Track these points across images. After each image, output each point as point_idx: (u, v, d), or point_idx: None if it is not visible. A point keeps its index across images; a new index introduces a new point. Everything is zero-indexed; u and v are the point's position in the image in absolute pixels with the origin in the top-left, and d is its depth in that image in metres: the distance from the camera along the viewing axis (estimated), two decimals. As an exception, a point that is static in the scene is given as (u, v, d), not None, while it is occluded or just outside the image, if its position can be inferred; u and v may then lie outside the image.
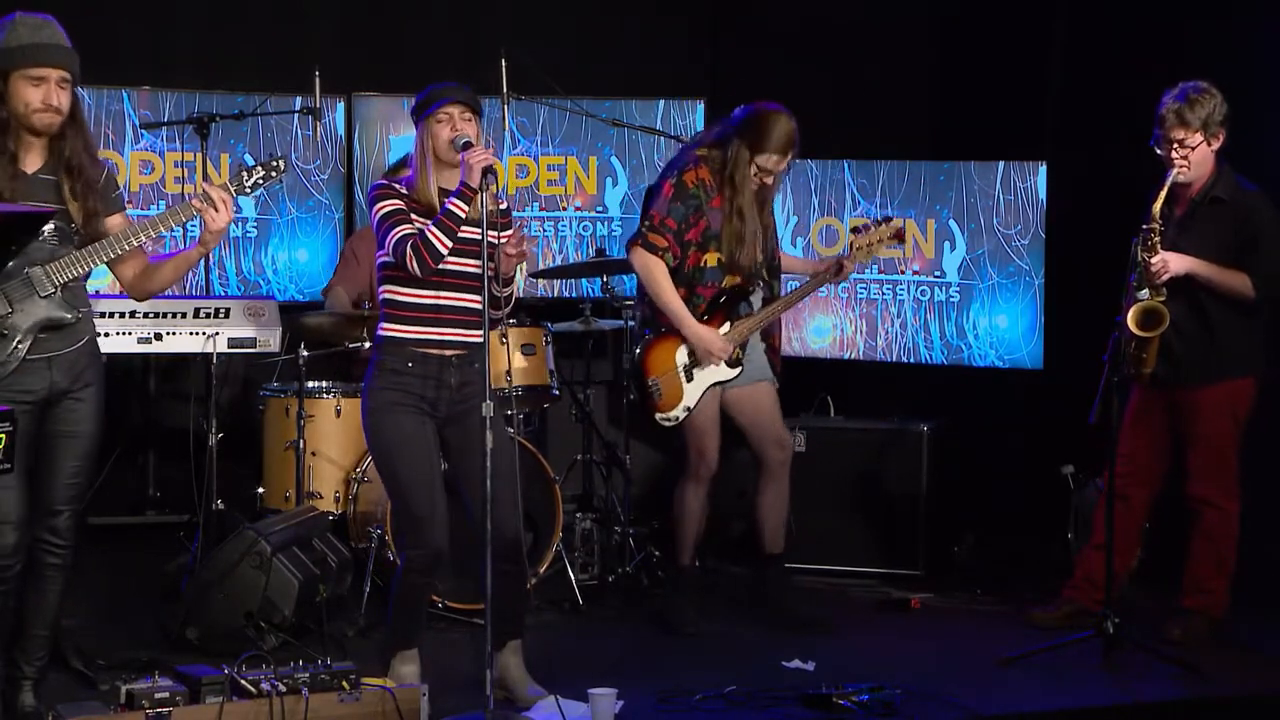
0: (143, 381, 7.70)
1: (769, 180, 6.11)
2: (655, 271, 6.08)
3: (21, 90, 4.71)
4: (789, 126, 6.06)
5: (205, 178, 6.92)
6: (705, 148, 6.17)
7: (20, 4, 4.81)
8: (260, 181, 4.96)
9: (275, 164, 4.98)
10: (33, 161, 4.79)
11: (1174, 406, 6.05)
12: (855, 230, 6.41)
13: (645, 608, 6.54)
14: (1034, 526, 7.22)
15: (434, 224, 5.02)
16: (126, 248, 4.80)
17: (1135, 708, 5.38)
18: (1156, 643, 5.81)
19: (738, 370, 6.17)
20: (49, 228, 4.74)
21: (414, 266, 5.02)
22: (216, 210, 4.80)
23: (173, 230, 5.02)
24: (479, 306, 4.97)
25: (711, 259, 6.11)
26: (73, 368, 4.83)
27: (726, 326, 6.14)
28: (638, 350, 6.22)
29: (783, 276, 6.37)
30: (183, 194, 7.20)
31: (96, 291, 5.64)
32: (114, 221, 4.88)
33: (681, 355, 6.14)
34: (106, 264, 4.90)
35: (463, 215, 5.02)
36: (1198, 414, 5.99)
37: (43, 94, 4.71)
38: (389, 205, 5.10)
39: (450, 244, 5.02)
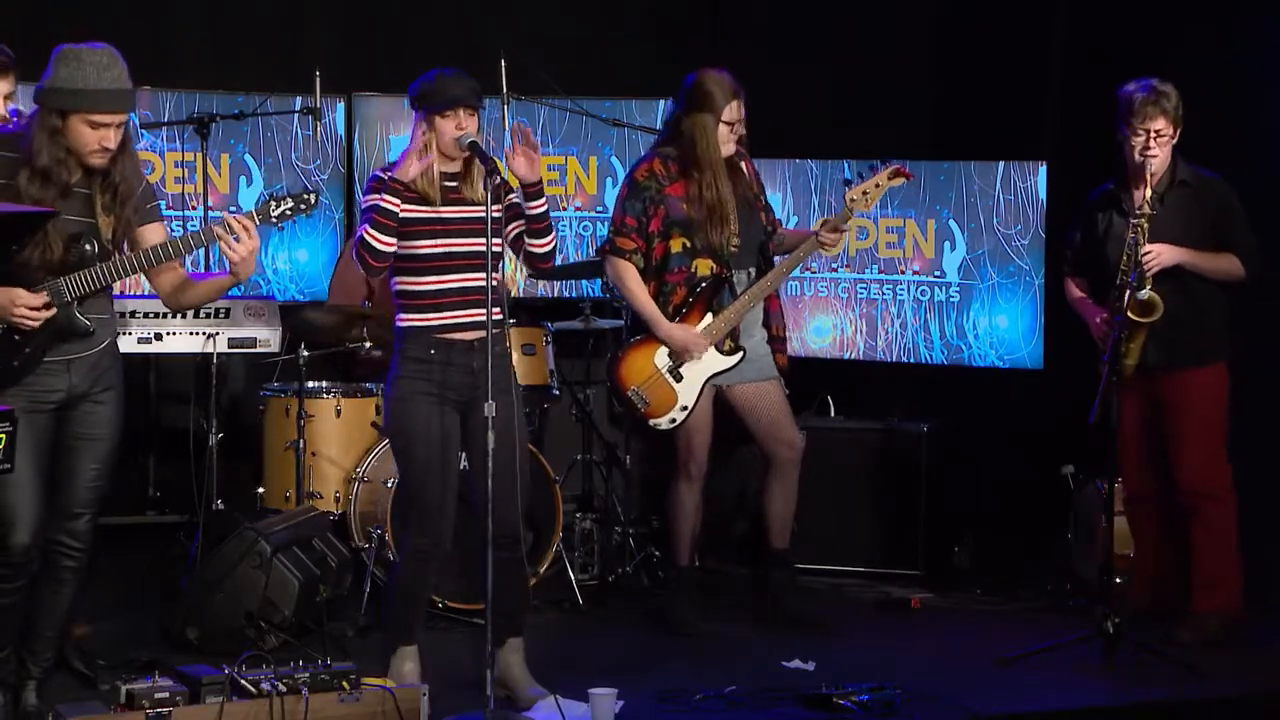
0: (143, 381, 7.70)
1: (742, 131, 6.10)
2: (626, 276, 6.11)
3: (79, 131, 4.68)
4: (723, 75, 6.11)
5: (205, 178, 6.94)
6: (660, 146, 6.21)
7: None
8: (289, 213, 4.91)
9: (306, 197, 4.93)
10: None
11: (1160, 403, 6.04)
12: (848, 183, 6.26)
13: (645, 608, 6.54)
14: (1034, 526, 7.22)
15: (370, 223, 5.07)
16: (141, 266, 4.82)
17: (1135, 708, 5.38)
18: (1157, 643, 5.80)
19: (736, 358, 6.14)
20: (82, 238, 4.75)
21: (361, 267, 5.13)
22: (236, 240, 4.79)
23: (193, 252, 5.00)
24: (492, 284, 4.97)
25: (676, 245, 6.11)
26: (92, 371, 4.84)
27: (709, 318, 6.11)
28: (609, 365, 6.22)
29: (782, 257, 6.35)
30: (183, 194, 7.20)
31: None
32: (149, 232, 4.88)
33: (661, 357, 6.13)
34: (144, 274, 4.92)
35: (394, 210, 5.06)
36: (1184, 401, 5.99)
37: (99, 137, 4.69)
38: (367, 200, 5.15)
39: (390, 241, 5.07)
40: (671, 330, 6.08)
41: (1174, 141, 5.94)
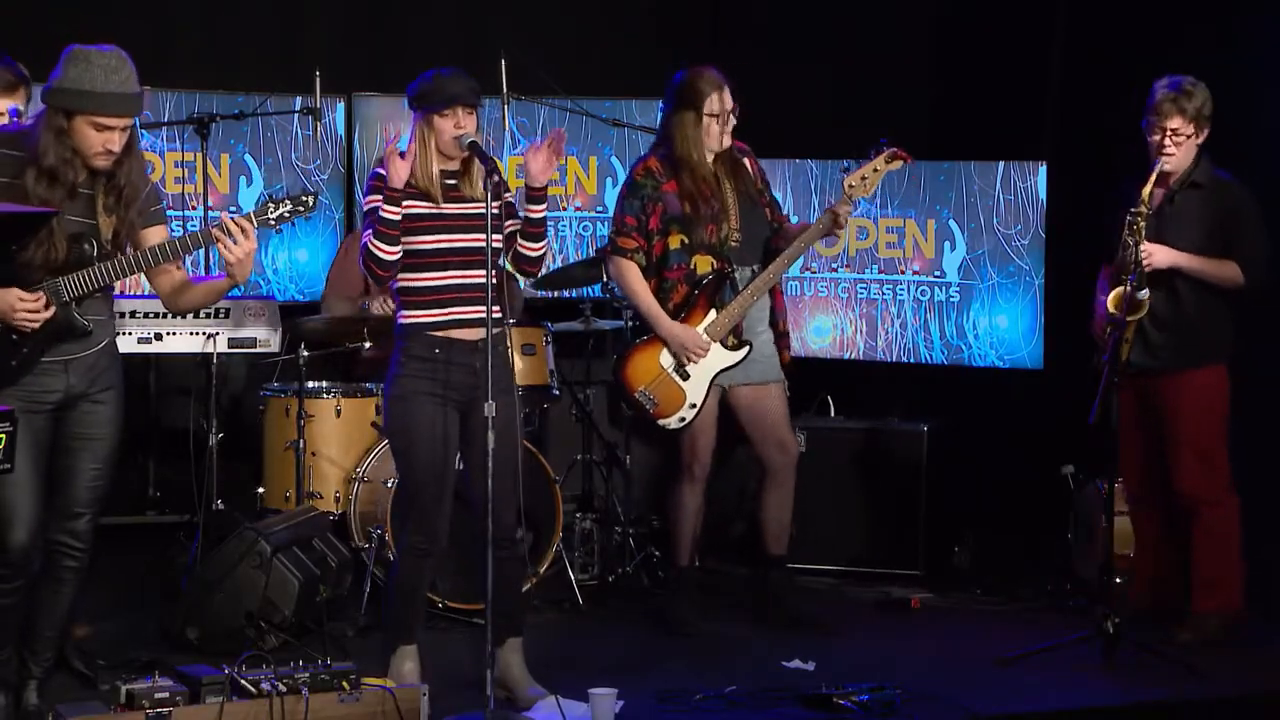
0: (143, 381, 7.70)
1: (731, 122, 6.08)
2: (628, 275, 6.12)
3: (84, 132, 4.67)
4: (705, 70, 6.11)
5: (205, 178, 6.94)
6: (656, 146, 6.25)
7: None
8: (286, 215, 4.90)
9: (305, 199, 4.92)
10: None
11: (1154, 405, 6.04)
12: (846, 170, 6.21)
13: (645, 608, 6.54)
14: (1034, 526, 7.22)
15: (373, 233, 5.06)
16: (140, 267, 4.82)
17: (1135, 708, 5.38)
18: (1158, 642, 5.80)
19: (742, 353, 6.12)
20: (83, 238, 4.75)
21: (369, 276, 5.18)
22: (234, 241, 4.78)
23: (192, 254, 5.00)
24: (493, 281, 4.97)
25: (674, 241, 6.12)
26: (90, 371, 4.84)
27: (712, 314, 6.11)
28: (615, 367, 6.23)
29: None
30: (183, 194, 7.21)
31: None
32: (152, 234, 4.88)
33: (666, 357, 6.13)
34: (145, 275, 4.92)
35: (395, 219, 5.05)
36: (1179, 405, 5.98)
37: (104, 139, 4.68)
38: (371, 202, 5.14)
39: (394, 250, 5.07)
40: (672, 329, 6.08)
41: (1197, 142, 5.91)
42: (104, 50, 4.68)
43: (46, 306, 4.68)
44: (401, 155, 5.07)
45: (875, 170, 6.12)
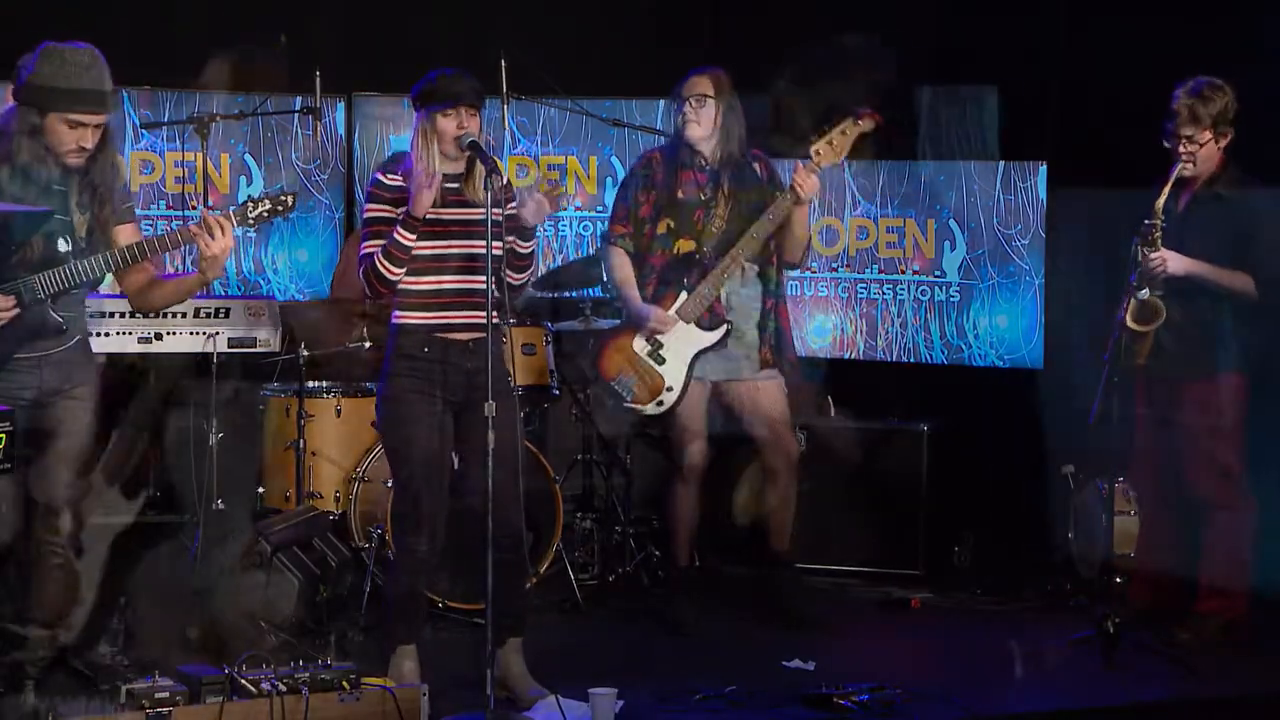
0: (143, 382, 7.69)
1: (695, 109, 6.09)
2: (613, 259, 6.22)
3: (57, 129, 4.69)
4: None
5: (205, 178, 6.94)
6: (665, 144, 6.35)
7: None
8: (265, 214, 4.91)
9: (283, 199, 4.94)
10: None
11: (1168, 410, 6.04)
12: (812, 141, 6.09)
13: (645, 608, 6.54)
14: (1034, 526, 7.22)
15: (382, 253, 5.06)
16: (115, 264, 4.81)
17: (1135, 708, 5.38)
18: (1158, 643, 5.80)
19: (719, 332, 6.13)
20: (56, 235, 4.74)
21: (367, 290, 5.15)
22: (211, 237, 4.78)
23: (168, 251, 5.01)
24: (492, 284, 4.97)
25: (661, 226, 6.18)
26: (64, 367, 4.84)
27: (683, 296, 6.12)
28: (591, 358, 6.25)
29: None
30: (183, 194, 7.20)
31: (97, 291, 5.65)
32: (123, 231, 4.88)
33: (640, 342, 6.15)
34: (112, 273, 4.91)
35: (409, 245, 5.04)
36: (1188, 413, 5.98)
37: (77, 136, 4.70)
38: (372, 211, 5.14)
39: (401, 271, 5.08)
40: (637, 307, 6.12)
41: (1219, 146, 5.89)
42: (77, 48, 4.70)
43: (15, 305, 4.67)
44: (429, 186, 5.04)
45: (843, 133, 6.06)
